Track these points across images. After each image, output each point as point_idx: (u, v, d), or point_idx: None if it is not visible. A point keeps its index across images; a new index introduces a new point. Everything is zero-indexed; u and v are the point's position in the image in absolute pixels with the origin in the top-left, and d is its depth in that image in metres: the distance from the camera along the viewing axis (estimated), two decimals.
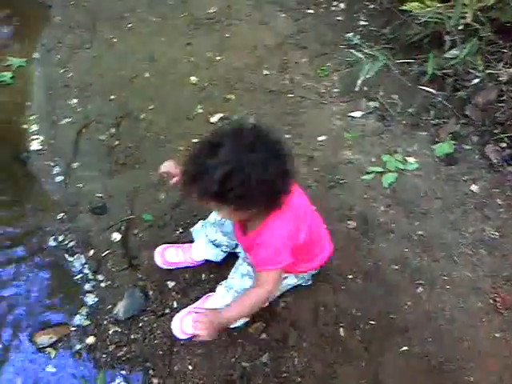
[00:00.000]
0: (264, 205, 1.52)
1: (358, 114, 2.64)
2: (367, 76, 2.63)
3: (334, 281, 2.02)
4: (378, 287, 2.01)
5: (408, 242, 2.13)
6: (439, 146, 2.47)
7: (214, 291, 1.91)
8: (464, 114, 2.58)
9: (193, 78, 2.90)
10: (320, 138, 2.52)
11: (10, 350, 1.96)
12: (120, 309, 2.00)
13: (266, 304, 1.84)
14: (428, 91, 2.67)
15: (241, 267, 1.88)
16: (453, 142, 2.48)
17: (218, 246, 2.01)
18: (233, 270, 1.92)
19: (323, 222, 1.88)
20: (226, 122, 2.63)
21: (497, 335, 1.86)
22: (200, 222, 2.08)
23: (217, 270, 2.07)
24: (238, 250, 2.02)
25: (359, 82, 2.66)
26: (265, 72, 2.91)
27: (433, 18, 2.54)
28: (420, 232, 2.16)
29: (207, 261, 2.09)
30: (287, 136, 2.53)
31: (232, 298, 1.83)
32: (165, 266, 2.12)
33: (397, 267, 2.05)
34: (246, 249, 1.79)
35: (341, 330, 1.90)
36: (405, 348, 1.84)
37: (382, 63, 2.66)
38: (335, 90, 2.79)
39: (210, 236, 2.00)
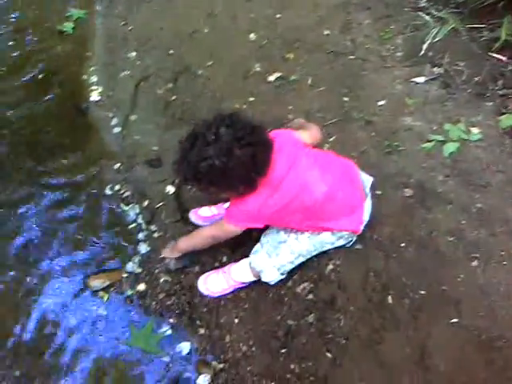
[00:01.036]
0: (238, 188, 1.66)
1: (421, 79, 2.53)
2: (434, 40, 2.50)
3: (386, 248, 1.98)
4: (430, 257, 1.95)
5: (466, 214, 2.05)
6: (505, 118, 2.33)
7: None
8: None
9: (252, 36, 2.86)
10: (380, 103, 2.44)
11: (65, 291, 2.06)
12: (172, 260, 2.05)
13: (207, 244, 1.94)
14: (498, 59, 2.52)
15: None
16: None
17: None
18: (268, 228, 1.96)
19: (376, 187, 1.86)
20: (283, 82, 2.59)
21: None
22: None
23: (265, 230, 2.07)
24: None
25: (425, 46, 2.54)
26: (325, 32, 2.82)
27: None
28: (479, 205, 2.07)
29: None
30: (345, 99, 2.48)
31: (266, 251, 1.89)
32: (199, 222, 2.17)
33: (452, 239, 1.99)
34: None
35: (389, 297, 1.88)
36: (455, 320, 1.80)
37: (450, 27, 2.52)
38: (398, 53, 2.68)
39: None
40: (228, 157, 1.56)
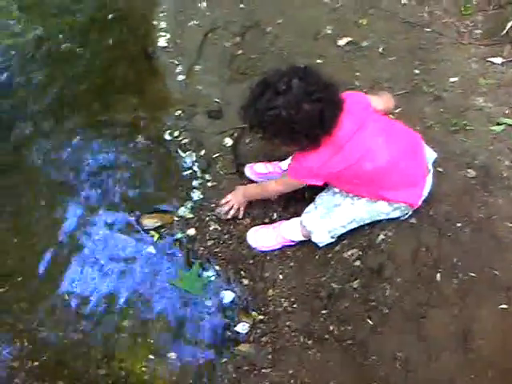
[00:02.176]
0: (301, 143, 1.65)
1: (498, 60, 2.42)
2: None
3: (441, 225, 1.94)
4: (486, 241, 1.90)
5: None
6: None
7: None
8: None
9: None
10: (452, 79, 2.36)
11: (118, 227, 2.12)
12: (223, 209, 2.07)
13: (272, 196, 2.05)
14: None
15: (333, 187, 1.91)
16: None
17: None
18: (324, 190, 1.95)
19: (438, 164, 1.83)
20: (354, 47, 2.53)
21: None
22: None
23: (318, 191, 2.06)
24: None
25: (509, 24, 2.42)
26: (403, 1, 2.72)
27: None
28: None
29: None
30: (416, 71, 2.40)
31: (319, 212, 1.89)
32: (253, 177, 2.18)
33: (511, 225, 1.93)
34: None
35: (438, 274, 1.85)
36: (504, 306, 1.76)
37: None
38: (477, 31, 2.57)
39: None
40: (296, 110, 1.56)
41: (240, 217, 2.06)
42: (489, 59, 2.43)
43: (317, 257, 1.97)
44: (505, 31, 2.46)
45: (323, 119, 1.59)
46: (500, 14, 2.56)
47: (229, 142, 2.31)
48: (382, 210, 1.89)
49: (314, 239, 1.93)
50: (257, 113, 1.60)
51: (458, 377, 1.66)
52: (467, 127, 2.20)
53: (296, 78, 1.57)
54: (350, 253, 1.94)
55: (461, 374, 1.66)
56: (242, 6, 2.83)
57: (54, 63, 2.66)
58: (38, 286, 1.96)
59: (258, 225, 2.06)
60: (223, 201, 2.05)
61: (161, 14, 2.87)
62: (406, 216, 1.93)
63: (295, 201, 2.11)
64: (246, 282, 1.97)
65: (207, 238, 2.06)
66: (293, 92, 1.56)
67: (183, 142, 2.34)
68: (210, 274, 1.99)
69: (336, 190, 1.91)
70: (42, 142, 2.36)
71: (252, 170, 2.18)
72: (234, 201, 2.03)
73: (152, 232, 2.07)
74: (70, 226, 2.11)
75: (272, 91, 1.57)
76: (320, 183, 1.79)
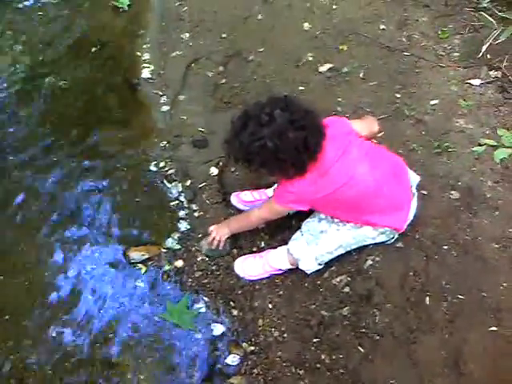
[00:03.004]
0: (288, 171, 1.66)
1: (476, 81, 2.47)
2: (495, 42, 2.43)
3: (428, 249, 1.95)
4: (473, 263, 1.91)
5: None
6: None
7: None
8: None
9: (306, 25, 2.83)
10: (432, 102, 2.40)
11: (105, 260, 2.10)
12: (205, 245, 2.06)
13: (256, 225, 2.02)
14: None
15: (319, 213, 1.92)
16: None
17: None
18: (310, 216, 1.96)
19: (422, 187, 1.85)
20: (335, 73, 2.56)
21: None
22: None
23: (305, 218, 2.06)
24: None
25: (484, 47, 2.47)
26: (381, 26, 2.78)
27: None
28: None
29: None
30: (397, 95, 2.44)
31: (305, 240, 1.89)
32: (240, 206, 2.18)
33: (497, 246, 1.94)
34: None
35: (427, 298, 1.85)
36: (494, 328, 1.76)
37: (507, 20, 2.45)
38: (455, 53, 2.62)
39: None
40: (281, 139, 1.57)
41: (221, 248, 2.03)
42: (467, 81, 2.48)
43: (306, 284, 1.96)
44: (481, 54, 2.51)
45: (308, 146, 1.61)
46: (475, 37, 2.62)
47: (214, 171, 2.32)
48: (368, 234, 1.89)
49: (301, 267, 1.92)
50: (242, 145, 1.60)
51: None
52: (449, 149, 2.23)
53: (277, 108, 1.59)
54: (338, 279, 1.93)
55: None
56: (224, 35, 2.87)
57: (39, 97, 2.66)
58: (26, 324, 1.93)
59: (246, 254, 2.05)
60: (209, 230, 2.04)
61: (144, 46, 2.89)
62: (392, 240, 1.94)
63: (282, 229, 2.11)
64: (235, 312, 1.95)
65: (195, 269, 2.05)
66: (277, 122, 1.57)
67: (169, 172, 2.34)
68: (199, 305, 1.97)
69: (322, 216, 1.91)
70: (25, 175, 2.34)
71: (238, 198, 2.18)
72: (217, 233, 2.00)
73: (139, 265, 2.06)
74: (56, 262, 2.08)
75: (255, 123, 1.59)
76: (305, 208, 1.80)
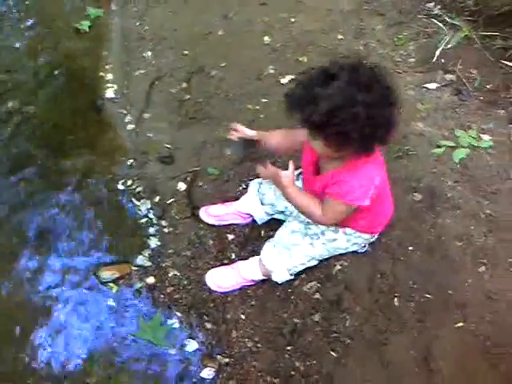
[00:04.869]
0: (357, 148, 1.51)
1: (433, 85, 2.56)
2: (448, 46, 2.53)
3: (394, 251, 2.00)
4: (438, 262, 1.97)
5: (474, 220, 2.07)
6: None
7: None
8: None
9: (266, 39, 2.89)
10: None
11: (75, 282, 2.07)
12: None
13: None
14: (511, 67, 2.54)
15: (290, 224, 1.93)
16: None
17: (263, 203, 2.06)
18: (281, 227, 1.95)
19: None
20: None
21: None
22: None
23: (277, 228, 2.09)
24: (281, 217, 2.07)
25: (437, 52, 2.57)
26: (339, 36, 2.85)
27: None
28: (488, 211, 2.09)
29: (253, 219, 2.15)
30: None
31: (278, 252, 1.89)
32: (209, 220, 2.18)
33: (460, 244, 2.00)
34: (317, 188, 1.76)
35: (395, 299, 1.89)
36: (460, 324, 1.81)
37: (464, 34, 2.55)
38: (411, 59, 2.71)
39: (262, 189, 2.05)
40: (374, 111, 1.41)
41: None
42: (424, 85, 2.57)
43: (277, 293, 1.98)
44: (435, 58, 2.61)
45: (392, 126, 1.50)
46: (429, 43, 2.71)
47: (182, 186, 2.33)
48: (341, 246, 1.92)
49: (274, 278, 1.93)
50: (328, 106, 1.39)
51: None
52: (410, 152, 2.30)
53: (376, 77, 1.46)
54: (309, 286, 1.96)
55: None
56: (185, 52, 2.90)
57: (2, 122, 2.64)
58: None
59: (216, 266, 2.06)
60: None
61: (107, 66, 2.90)
62: (363, 250, 1.97)
63: (252, 240, 2.14)
64: (208, 325, 1.95)
65: (167, 284, 2.04)
66: (375, 92, 1.42)
67: (137, 190, 2.34)
68: (172, 321, 1.97)
69: (294, 228, 1.90)
70: None
71: (207, 212, 2.19)
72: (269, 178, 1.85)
73: (110, 284, 2.05)
74: (26, 285, 2.06)
75: (350, 85, 1.40)
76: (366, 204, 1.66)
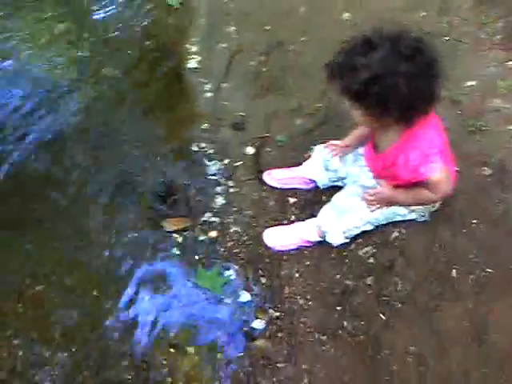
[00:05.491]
0: (397, 118, 1.53)
1: None
2: None
3: (456, 222, 1.95)
4: (503, 237, 1.89)
5: None
6: None
7: None
8: None
9: (346, 15, 2.91)
10: (469, 83, 2.39)
11: (142, 230, 2.23)
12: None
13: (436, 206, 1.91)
14: None
15: (348, 188, 1.97)
16: None
17: (327, 169, 2.09)
18: (340, 191, 1.99)
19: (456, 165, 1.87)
20: None
21: None
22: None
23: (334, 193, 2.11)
24: (343, 183, 2.09)
25: None
26: (422, 14, 2.80)
27: None
28: None
29: (315, 186, 2.19)
30: None
31: (334, 213, 1.93)
32: (273, 182, 2.26)
33: None
34: (381, 169, 1.82)
35: (453, 271, 1.85)
36: None
37: None
38: (497, 36, 2.59)
39: (325, 156, 2.08)
40: (416, 82, 1.43)
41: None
42: (508, 62, 2.45)
43: (332, 255, 2.01)
44: None
45: (432, 99, 1.52)
46: None
47: (251, 151, 2.43)
48: (399, 212, 1.91)
49: (328, 240, 1.98)
50: (368, 74, 1.41)
51: (472, 371, 1.64)
52: (484, 128, 2.21)
53: (419, 46, 1.45)
54: (364, 250, 1.97)
55: (475, 368, 1.64)
56: (267, 27, 2.99)
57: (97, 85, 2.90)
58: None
59: (276, 226, 2.14)
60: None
61: (192, 39, 3.06)
62: (423, 219, 1.95)
63: (312, 203, 2.18)
64: (263, 280, 2.03)
65: (227, 239, 2.16)
66: (417, 62, 1.42)
67: (208, 152, 2.48)
68: (229, 273, 2.08)
69: (352, 191, 1.95)
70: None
71: (271, 175, 2.27)
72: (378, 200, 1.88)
73: (175, 234, 2.20)
74: (96, 227, 2.25)
75: (391, 54, 1.42)
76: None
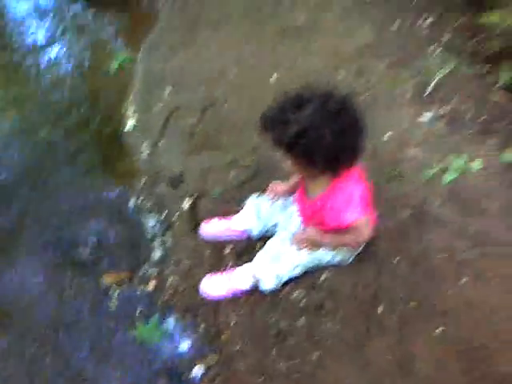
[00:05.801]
0: (322, 169, 1.66)
1: (427, 116, 2.70)
2: (436, 78, 2.72)
3: (379, 262, 2.10)
4: (422, 273, 2.05)
5: (460, 236, 2.14)
6: (507, 152, 2.45)
7: None
8: None
9: (274, 75, 3.14)
10: (386, 135, 2.62)
11: (79, 285, 2.26)
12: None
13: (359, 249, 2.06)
14: (502, 101, 2.67)
15: (280, 235, 2.09)
16: None
17: (259, 218, 2.21)
18: (272, 238, 2.10)
19: (377, 210, 2.02)
20: None
21: None
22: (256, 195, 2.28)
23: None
24: (274, 231, 2.20)
25: (430, 86, 2.74)
26: (342, 74, 3.06)
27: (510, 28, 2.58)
28: (474, 228, 2.16)
29: (249, 235, 2.29)
30: None
31: (267, 260, 2.02)
32: (209, 234, 2.34)
33: (444, 256, 2.08)
34: (310, 214, 1.94)
35: (379, 307, 1.97)
36: (441, 329, 1.87)
37: (451, 67, 2.75)
38: (408, 94, 2.86)
39: (258, 205, 2.21)
40: (341, 137, 1.54)
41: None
42: (420, 116, 2.71)
43: (267, 300, 2.09)
44: (430, 92, 2.77)
45: (356, 152, 1.65)
46: (427, 80, 2.87)
47: (187, 204, 2.52)
48: (326, 256, 2.04)
49: (262, 285, 2.06)
50: (296, 128, 1.53)
51: None
52: (402, 175, 2.42)
53: (344, 104, 1.58)
54: (296, 293, 2.07)
55: None
56: (201, 89, 3.17)
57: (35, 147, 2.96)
58: None
59: (213, 274, 2.20)
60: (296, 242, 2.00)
61: (130, 101, 3.19)
62: (349, 261, 2.08)
63: (248, 251, 2.27)
64: (201, 328, 2.07)
65: (166, 290, 2.20)
66: (343, 118, 1.55)
67: (147, 206, 2.55)
68: (168, 323, 2.11)
69: (283, 237, 2.07)
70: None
71: (207, 227, 2.35)
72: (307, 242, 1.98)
73: (114, 287, 2.21)
74: (39, 285, 2.24)
75: (318, 109, 1.53)
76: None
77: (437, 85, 2.81)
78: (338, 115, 1.54)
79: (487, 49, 2.89)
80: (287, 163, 1.72)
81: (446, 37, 3.25)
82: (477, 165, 2.42)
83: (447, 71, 2.84)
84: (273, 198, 2.17)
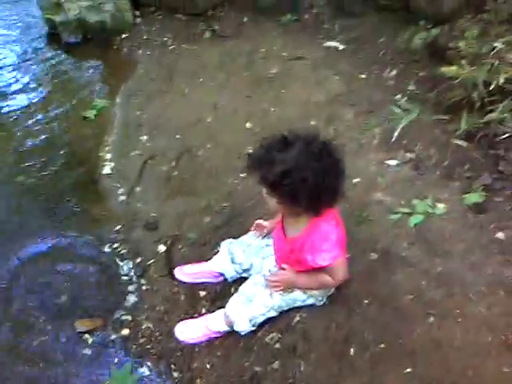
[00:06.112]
0: (305, 208, 1.75)
1: (393, 162, 2.83)
2: (401, 125, 2.87)
3: (350, 304, 2.15)
4: (391, 314, 2.10)
5: (426, 277, 2.22)
6: (469, 196, 2.58)
7: None
8: (498, 170, 2.70)
9: (248, 124, 3.27)
10: (354, 180, 2.73)
11: (53, 332, 2.25)
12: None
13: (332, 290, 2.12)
14: (464, 146, 2.83)
15: (253, 278, 2.13)
16: (484, 193, 2.58)
17: (233, 262, 2.26)
18: (246, 281, 2.15)
19: (348, 252, 2.09)
20: None
21: (504, 370, 1.89)
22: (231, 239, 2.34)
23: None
24: (248, 274, 2.25)
25: (396, 133, 2.89)
26: (312, 122, 3.21)
27: (468, 80, 2.77)
28: (439, 269, 2.25)
29: (224, 278, 2.34)
30: None
31: (241, 302, 2.06)
32: (184, 278, 2.38)
33: (412, 297, 2.14)
34: (288, 253, 1.99)
35: (350, 348, 2.01)
36: (409, 369, 1.91)
37: (415, 114, 2.91)
38: (375, 141, 3.01)
39: (232, 249, 2.26)
40: (323, 178, 1.65)
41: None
42: (385, 162, 2.85)
43: (241, 344, 2.11)
44: (396, 139, 2.92)
45: (336, 194, 1.75)
46: (392, 127, 3.02)
47: (163, 249, 2.56)
48: (298, 297, 2.09)
49: (236, 328, 2.09)
50: (280, 168, 1.62)
51: None
52: (369, 218, 2.51)
53: (326, 148, 1.70)
54: (270, 336, 2.10)
55: None
56: (177, 136, 3.27)
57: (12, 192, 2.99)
58: None
59: (187, 319, 2.22)
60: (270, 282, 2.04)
61: (107, 148, 3.27)
62: (321, 302, 2.14)
63: (222, 295, 2.31)
64: (175, 374, 2.08)
65: (139, 336, 2.20)
66: (325, 161, 1.66)
67: (121, 252, 2.58)
68: (142, 370, 2.10)
69: (257, 280, 2.11)
70: None
71: (181, 271, 2.39)
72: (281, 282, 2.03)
73: (87, 335, 2.21)
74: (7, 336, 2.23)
75: (302, 152, 1.64)
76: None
77: (402, 132, 2.96)
78: (321, 156, 1.66)
79: (448, 98, 3.08)
80: (271, 201, 1.80)
81: (410, 87, 3.46)
82: (441, 208, 2.54)
83: (412, 119, 3.00)
84: (259, 236, 2.24)
